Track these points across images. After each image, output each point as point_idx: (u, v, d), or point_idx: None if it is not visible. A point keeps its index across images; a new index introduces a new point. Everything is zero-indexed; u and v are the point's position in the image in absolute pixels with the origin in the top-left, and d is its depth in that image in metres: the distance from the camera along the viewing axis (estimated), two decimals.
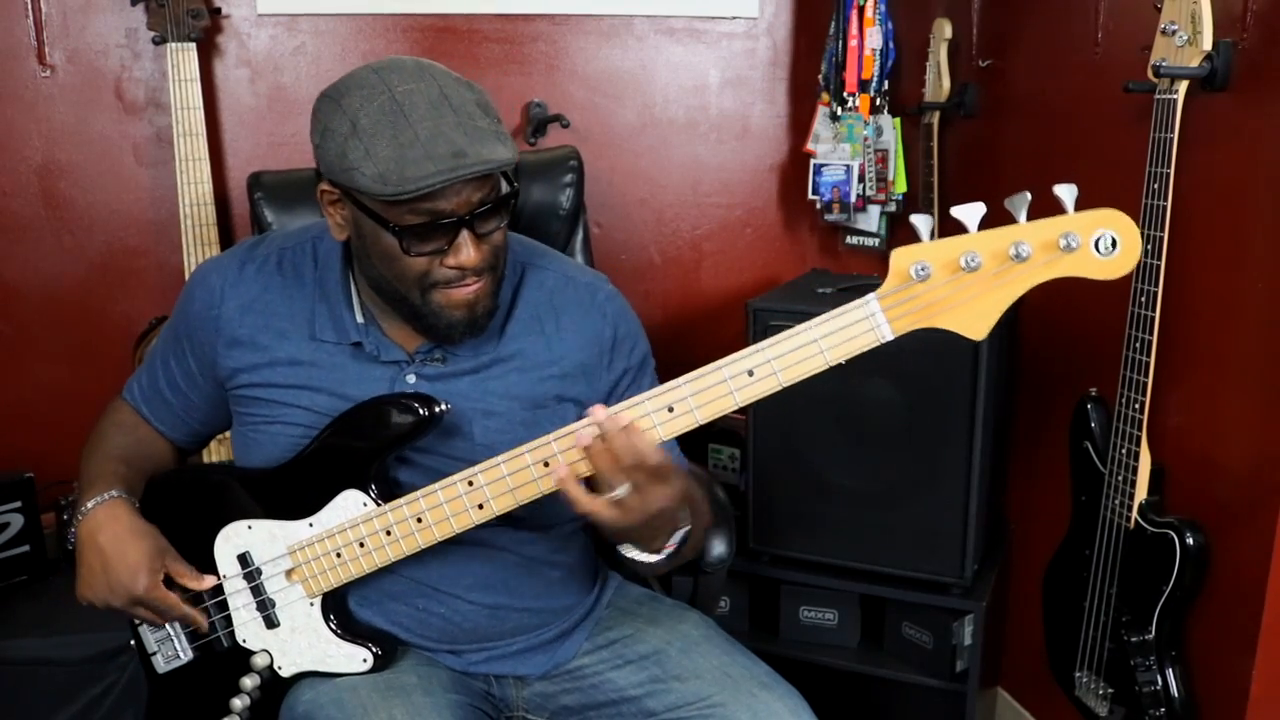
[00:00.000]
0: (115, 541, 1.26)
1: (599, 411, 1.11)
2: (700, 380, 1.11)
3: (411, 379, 1.28)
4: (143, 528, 1.28)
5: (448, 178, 1.09)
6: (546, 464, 1.16)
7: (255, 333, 1.31)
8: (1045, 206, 1.05)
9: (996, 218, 1.05)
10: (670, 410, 1.12)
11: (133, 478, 1.34)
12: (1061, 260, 1.03)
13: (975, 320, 1.06)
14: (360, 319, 1.29)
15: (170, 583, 1.28)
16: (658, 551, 1.24)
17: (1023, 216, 1.03)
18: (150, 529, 1.29)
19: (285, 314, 1.31)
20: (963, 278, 1.04)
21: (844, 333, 1.08)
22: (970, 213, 1.04)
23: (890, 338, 1.08)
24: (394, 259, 1.18)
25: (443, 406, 1.23)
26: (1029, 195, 1.02)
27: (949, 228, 1.06)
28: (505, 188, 1.20)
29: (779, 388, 1.10)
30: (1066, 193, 1.03)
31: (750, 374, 1.10)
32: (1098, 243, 1.02)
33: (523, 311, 1.32)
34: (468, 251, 1.17)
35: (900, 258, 1.06)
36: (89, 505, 1.29)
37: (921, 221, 1.06)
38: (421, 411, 1.22)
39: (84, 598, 1.29)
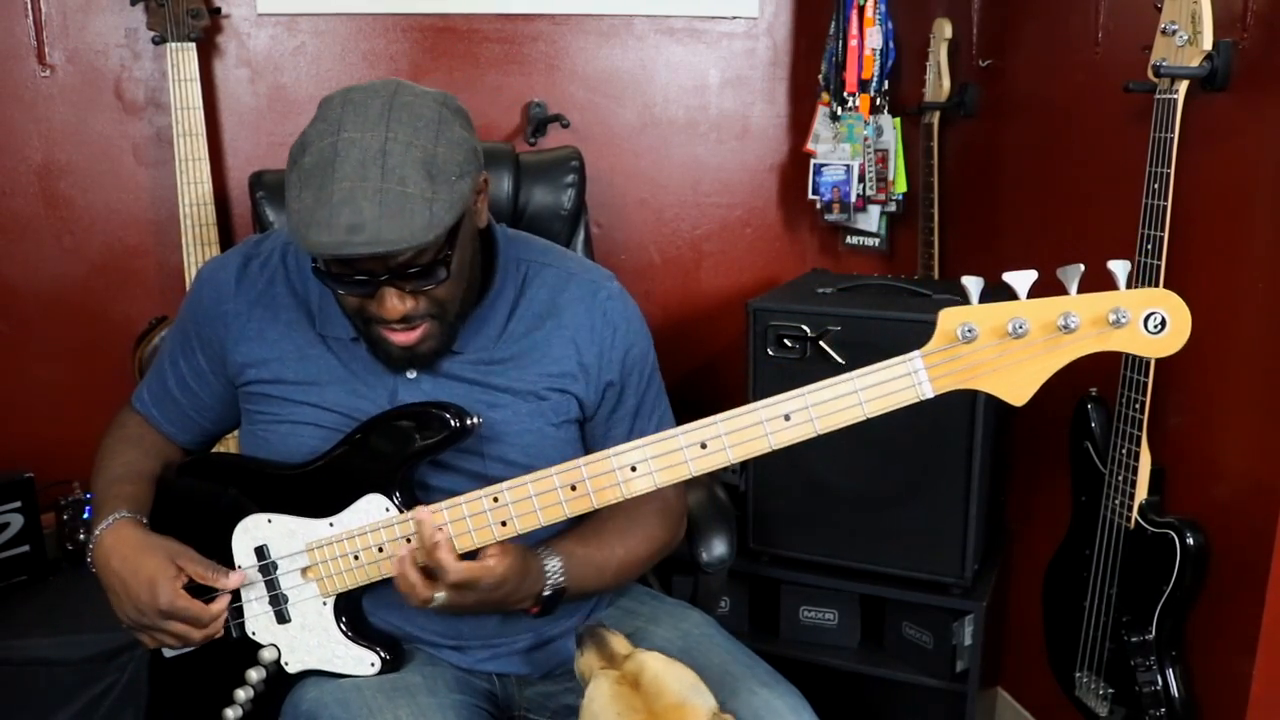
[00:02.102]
0: (126, 562, 1.25)
1: (422, 511, 1.17)
2: (736, 420, 1.12)
3: (413, 374, 1.29)
4: (151, 541, 1.27)
5: (334, 254, 1.08)
6: (574, 488, 1.17)
7: (263, 327, 1.31)
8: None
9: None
10: (704, 446, 1.13)
11: (140, 493, 1.34)
12: (1111, 335, 1.03)
13: (1017, 386, 1.06)
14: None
15: (198, 591, 1.27)
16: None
17: (1074, 288, 1.03)
18: (159, 541, 1.28)
19: (290, 306, 1.31)
20: (1009, 344, 1.05)
21: (885, 386, 1.08)
22: (1021, 280, 1.04)
23: (930, 395, 1.08)
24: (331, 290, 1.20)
25: (474, 420, 1.23)
26: (1082, 267, 1.03)
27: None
28: (441, 249, 1.16)
29: (814, 434, 1.11)
30: (1120, 268, 1.03)
31: (787, 419, 1.11)
32: (1147, 320, 1.03)
33: (525, 310, 1.32)
34: (391, 304, 1.16)
35: (948, 318, 1.06)
36: (97, 533, 1.28)
37: (972, 283, 1.06)
38: (454, 424, 1.22)
39: (122, 623, 1.29)
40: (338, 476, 1.26)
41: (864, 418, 1.10)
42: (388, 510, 1.24)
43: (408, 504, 1.24)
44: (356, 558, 1.25)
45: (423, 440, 1.23)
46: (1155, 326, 1.03)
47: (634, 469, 1.15)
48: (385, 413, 1.25)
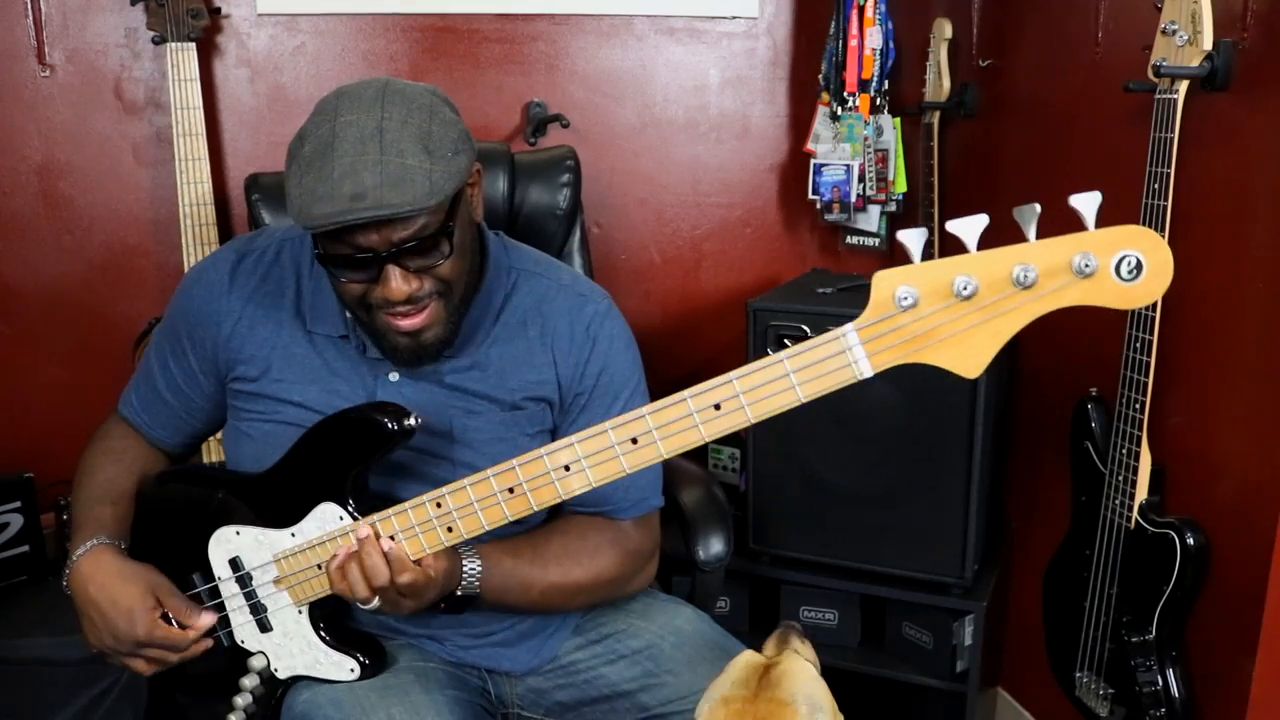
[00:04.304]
0: (104, 590, 1.24)
1: (362, 529, 1.16)
2: (664, 413, 1.04)
3: (394, 376, 1.28)
4: (130, 571, 1.26)
5: (339, 221, 1.08)
6: (512, 490, 1.13)
7: (255, 324, 1.31)
8: (1043, 208, 1.02)
9: (1004, 228, 0.95)
10: (634, 441, 1.06)
11: (119, 515, 1.32)
12: (1074, 286, 0.87)
13: (968, 356, 0.91)
14: (348, 313, 1.29)
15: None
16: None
17: (1032, 232, 0.88)
18: (138, 570, 1.26)
19: (282, 304, 1.31)
20: (956, 307, 0.89)
21: (818, 367, 0.96)
22: (968, 227, 0.88)
23: (869, 374, 0.95)
24: (333, 278, 1.20)
25: (412, 421, 1.19)
26: (1039, 207, 0.88)
27: (952, 246, 0.93)
28: (443, 223, 1.16)
29: (748, 423, 1.01)
30: (1087, 203, 0.86)
31: (717, 408, 1.01)
32: (1119, 266, 0.87)
33: (510, 317, 1.32)
34: (395, 284, 1.15)
35: (882, 282, 0.91)
36: (75, 557, 1.27)
37: (912, 238, 0.90)
38: (390, 426, 1.18)
39: (94, 648, 1.28)
40: (293, 485, 1.24)
41: (800, 401, 0.98)
42: (342, 519, 1.21)
43: (362, 511, 1.21)
44: (320, 567, 1.23)
45: (362, 445, 1.20)
46: (1129, 272, 0.86)
47: (567, 468, 1.10)
48: (325, 419, 1.23)
